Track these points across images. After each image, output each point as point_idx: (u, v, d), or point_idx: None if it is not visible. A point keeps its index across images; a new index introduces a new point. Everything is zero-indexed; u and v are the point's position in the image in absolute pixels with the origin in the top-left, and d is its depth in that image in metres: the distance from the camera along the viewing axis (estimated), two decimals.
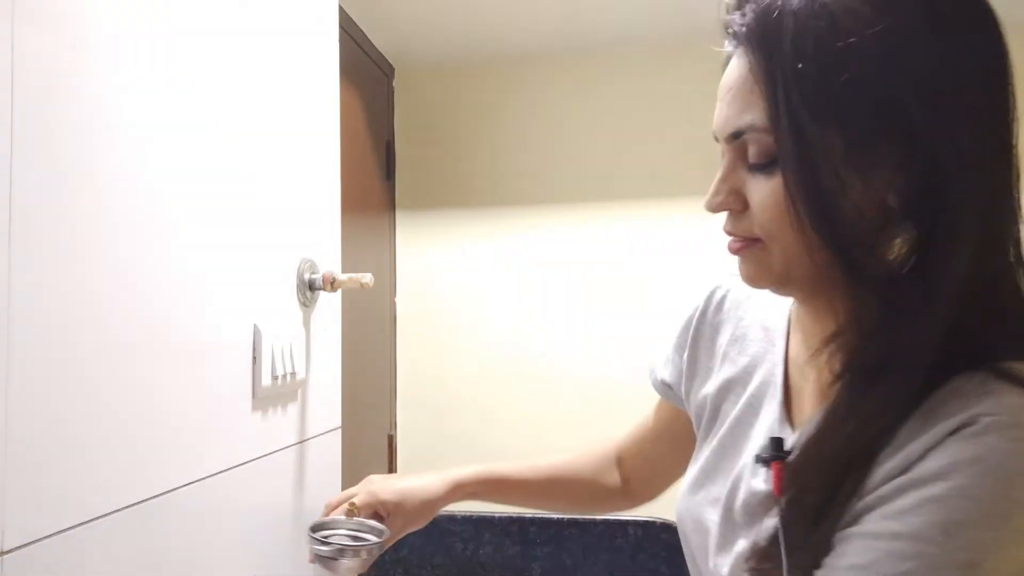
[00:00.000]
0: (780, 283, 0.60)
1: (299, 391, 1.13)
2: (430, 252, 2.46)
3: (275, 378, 1.02)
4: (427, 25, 2.13)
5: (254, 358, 0.99)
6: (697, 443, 0.77)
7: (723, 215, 0.61)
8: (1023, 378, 0.49)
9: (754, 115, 0.55)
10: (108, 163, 0.73)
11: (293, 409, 1.11)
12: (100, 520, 0.71)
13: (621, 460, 0.96)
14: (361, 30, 2.13)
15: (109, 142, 0.73)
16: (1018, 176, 0.53)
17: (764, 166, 0.55)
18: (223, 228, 0.92)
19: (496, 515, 1.16)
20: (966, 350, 0.51)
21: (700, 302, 0.81)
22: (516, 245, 2.41)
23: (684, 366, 0.80)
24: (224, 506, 0.92)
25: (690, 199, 2.29)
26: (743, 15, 0.56)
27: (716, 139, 0.61)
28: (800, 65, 0.51)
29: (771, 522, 0.57)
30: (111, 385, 0.73)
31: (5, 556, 0.60)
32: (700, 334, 0.79)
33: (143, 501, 0.77)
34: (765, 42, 0.54)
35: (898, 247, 0.54)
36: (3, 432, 0.60)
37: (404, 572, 1.20)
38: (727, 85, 0.58)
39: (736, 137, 0.57)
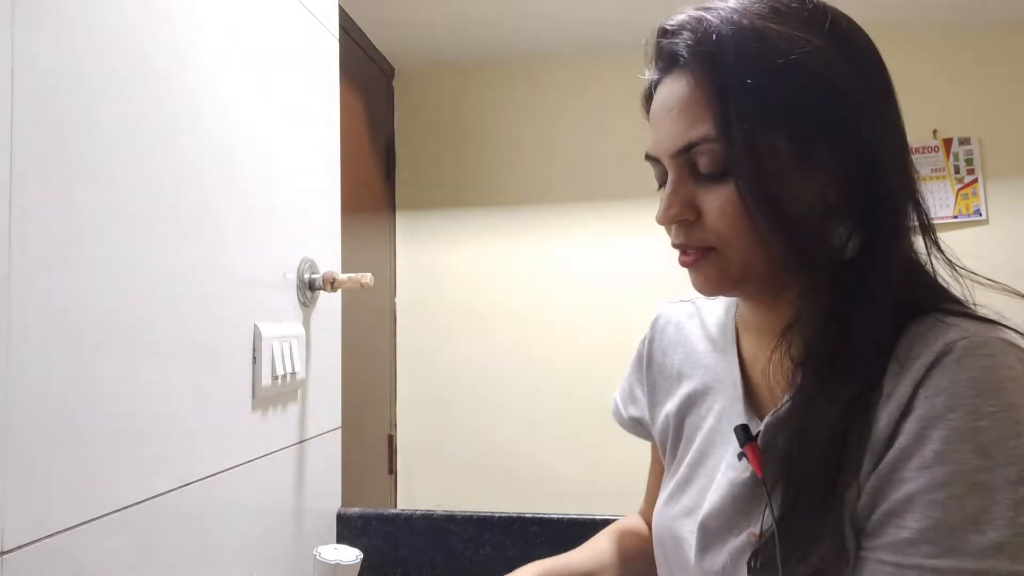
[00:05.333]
0: (737, 286, 0.63)
1: (299, 391, 1.13)
2: (430, 252, 2.46)
3: (275, 378, 1.02)
4: (427, 25, 2.13)
5: (254, 358, 0.99)
6: (666, 463, 0.78)
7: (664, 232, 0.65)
8: (964, 311, 0.55)
9: (704, 128, 0.59)
10: (108, 163, 0.73)
11: (293, 409, 1.11)
12: (100, 520, 0.71)
13: (646, 517, 0.93)
14: (361, 30, 2.13)
15: (109, 142, 0.73)
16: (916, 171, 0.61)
17: (716, 175, 0.59)
18: (223, 228, 0.92)
19: (496, 515, 1.16)
20: (915, 306, 0.57)
21: (647, 332, 0.84)
22: (516, 245, 2.41)
23: (645, 396, 0.83)
24: (224, 506, 0.92)
25: None
26: (682, 40, 0.61)
27: (651, 158, 0.66)
28: (747, 80, 0.57)
29: (759, 510, 0.60)
30: (111, 385, 0.73)
31: (5, 556, 0.60)
32: (652, 361, 0.82)
33: (143, 501, 0.77)
34: (711, 62, 0.59)
35: (841, 237, 0.59)
36: (3, 432, 0.60)
37: (404, 572, 1.20)
38: (667, 105, 0.63)
39: (686, 151, 0.61)
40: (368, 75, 2.26)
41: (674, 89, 0.62)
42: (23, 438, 0.62)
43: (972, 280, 0.59)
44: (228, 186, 0.93)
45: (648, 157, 0.67)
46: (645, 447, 0.90)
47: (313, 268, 1.16)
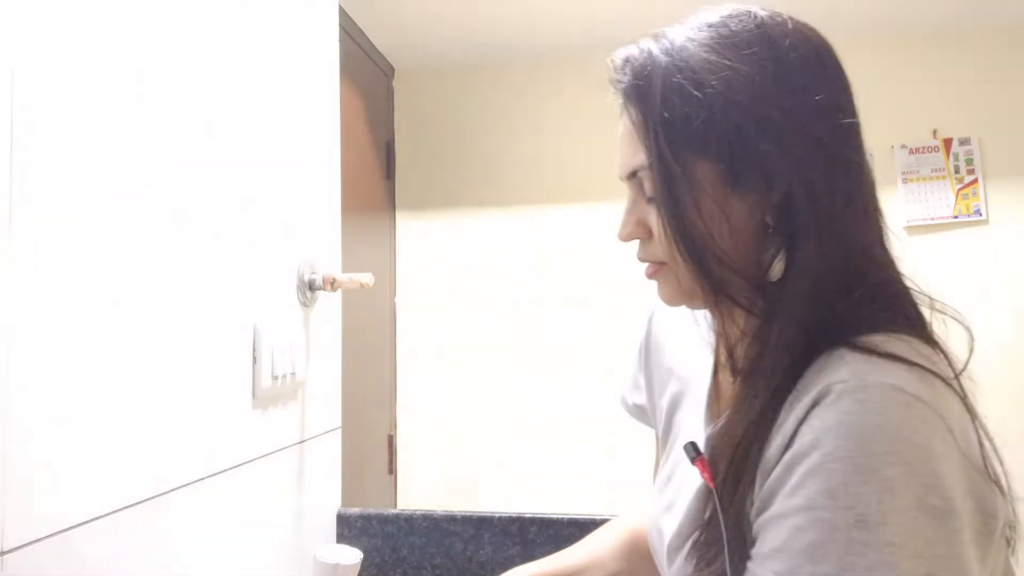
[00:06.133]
0: (689, 299, 0.67)
1: (299, 391, 1.13)
2: (430, 252, 2.46)
3: (275, 378, 1.02)
4: (427, 25, 2.13)
5: (254, 358, 0.99)
6: (662, 455, 0.81)
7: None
8: (870, 347, 0.56)
9: (640, 156, 0.63)
10: (107, 164, 0.73)
11: (293, 409, 1.11)
12: (100, 520, 0.71)
13: None
14: (361, 30, 2.13)
15: (108, 142, 0.73)
16: (872, 182, 0.62)
17: (653, 200, 0.64)
18: (223, 228, 0.92)
19: (496, 515, 1.16)
20: (830, 333, 0.58)
21: (644, 325, 0.88)
22: (516, 245, 2.41)
23: (644, 385, 0.86)
24: (224, 506, 0.92)
25: None
26: (624, 74, 0.65)
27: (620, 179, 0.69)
28: (666, 114, 0.60)
29: (709, 514, 0.63)
30: (111, 385, 0.73)
31: (5, 556, 0.60)
32: (650, 354, 0.86)
33: (143, 501, 0.77)
34: (639, 96, 0.63)
35: (771, 258, 0.61)
36: (3, 432, 0.60)
37: (404, 572, 1.20)
38: (620, 134, 0.67)
39: (632, 175, 0.66)
40: (368, 75, 2.26)
41: (626, 118, 0.66)
42: (23, 437, 0.62)
43: (923, 304, 0.61)
44: (228, 186, 0.93)
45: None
46: (643, 449, 0.90)
47: (313, 268, 1.16)
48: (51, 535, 0.65)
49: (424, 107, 2.48)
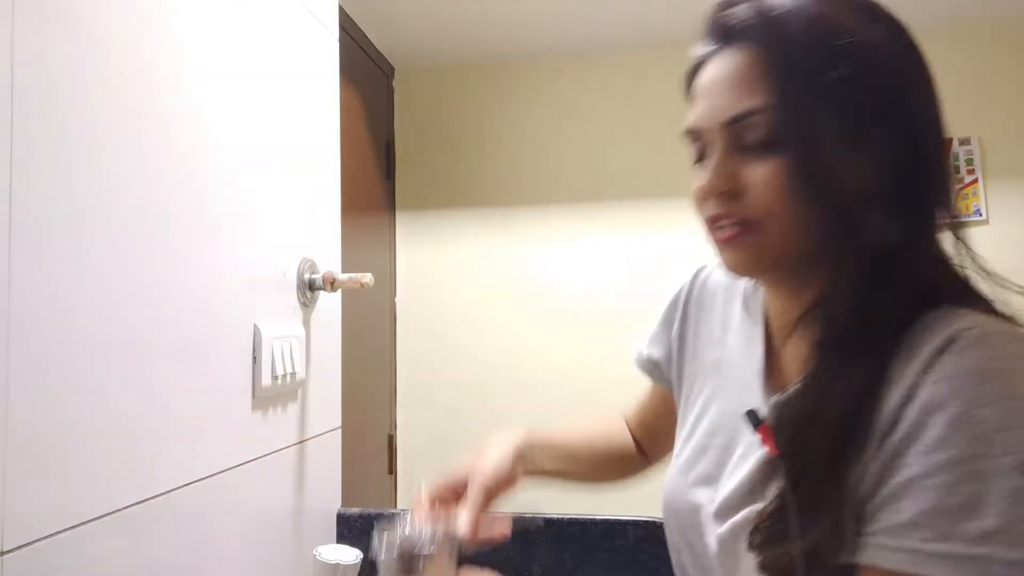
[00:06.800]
0: (770, 267, 0.64)
1: (299, 391, 1.13)
2: (430, 252, 2.46)
3: (275, 378, 1.02)
4: (427, 25, 2.13)
5: (254, 358, 0.99)
6: (682, 419, 0.79)
7: (694, 213, 0.66)
8: (981, 306, 0.56)
9: (759, 99, 0.60)
10: (108, 164, 0.73)
11: (293, 409, 1.11)
12: (100, 520, 0.71)
13: (630, 427, 0.97)
14: (361, 30, 2.13)
15: (108, 143, 0.73)
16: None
17: (766, 148, 0.60)
18: (223, 228, 0.92)
19: (495, 515, 1.16)
20: (933, 299, 0.58)
21: (687, 282, 0.85)
22: (516, 245, 2.41)
23: (673, 343, 0.83)
24: (224, 506, 0.92)
25: (690, 200, 2.29)
26: (743, 14, 0.62)
27: (691, 133, 0.66)
28: (807, 56, 0.58)
29: (772, 487, 0.60)
30: (111, 385, 0.73)
31: (5, 556, 0.60)
32: (687, 313, 0.83)
33: (143, 501, 0.77)
34: (774, 36, 0.60)
35: (878, 224, 0.59)
36: (3, 432, 0.60)
37: None
38: (716, 78, 0.63)
39: (736, 121, 0.61)
40: (368, 75, 2.26)
41: (730, 61, 0.62)
42: (23, 438, 0.62)
43: (998, 284, 0.60)
44: (228, 186, 0.93)
45: (688, 132, 0.66)
46: None
47: (313, 268, 1.16)
48: (51, 535, 0.65)
49: (424, 107, 2.48)
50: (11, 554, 0.61)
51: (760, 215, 0.61)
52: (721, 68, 0.63)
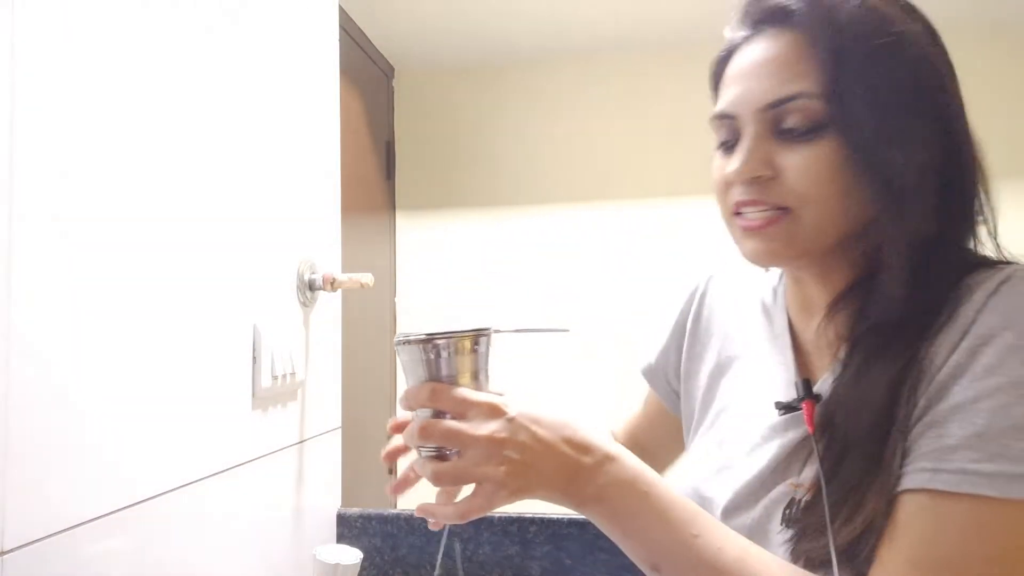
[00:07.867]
0: (801, 255, 0.63)
1: (299, 391, 1.13)
2: (430, 252, 2.46)
3: (275, 378, 1.02)
4: (427, 25, 2.13)
5: (254, 358, 0.99)
6: (696, 421, 0.79)
7: (710, 209, 0.66)
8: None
9: (804, 84, 0.59)
10: (107, 163, 0.73)
11: (293, 409, 1.11)
12: (100, 520, 0.71)
13: (619, 442, 0.97)
14: (361, 30, 2.13)
15: (108, 142, 0.73)
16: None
17: (807, 133, 0.60)
18: (223, 228, 0.92)
19: (495, 515, 1.16)
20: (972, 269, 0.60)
21: (698, 286, 0.85)
22: (516, 245, 2.41)
23: (684, 349, 0.83)
24: (224, 506, 0.92)
25: (690, 199, 2.29)
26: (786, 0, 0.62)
27: (723, 117, 0.65)
28: (857, 44, 0.59)
29: (809, 468, 0.60)
30: (110, 385, 0.73)
31: (5, 556, 0.60)
32: (699, 317, 0.83)
33: (143, 501, 0.77)
34: (827, 21, 0.60)
35: (921, 213, 0.60)
36: (3, 432, 0.60)
37: (404, 572, 1.20)
38: (758, 61, 0.63)
39: (776, 106, 0.61)
40: (368, 75, 2.26)
41: (772, 45, 0.62)
42: (23, 438, 0.62)
43: None
44: (228, 186, 0.93)
45: (721, 116, 0.66)
46: None
47: (313, 268, 1.16)
48: (51, 535, 0.65)
49: (424, 107, 2.48)
50: (11, 554, 0.61)
51: (796, 201, 0.60)
52: (763, 51, 0.62)
